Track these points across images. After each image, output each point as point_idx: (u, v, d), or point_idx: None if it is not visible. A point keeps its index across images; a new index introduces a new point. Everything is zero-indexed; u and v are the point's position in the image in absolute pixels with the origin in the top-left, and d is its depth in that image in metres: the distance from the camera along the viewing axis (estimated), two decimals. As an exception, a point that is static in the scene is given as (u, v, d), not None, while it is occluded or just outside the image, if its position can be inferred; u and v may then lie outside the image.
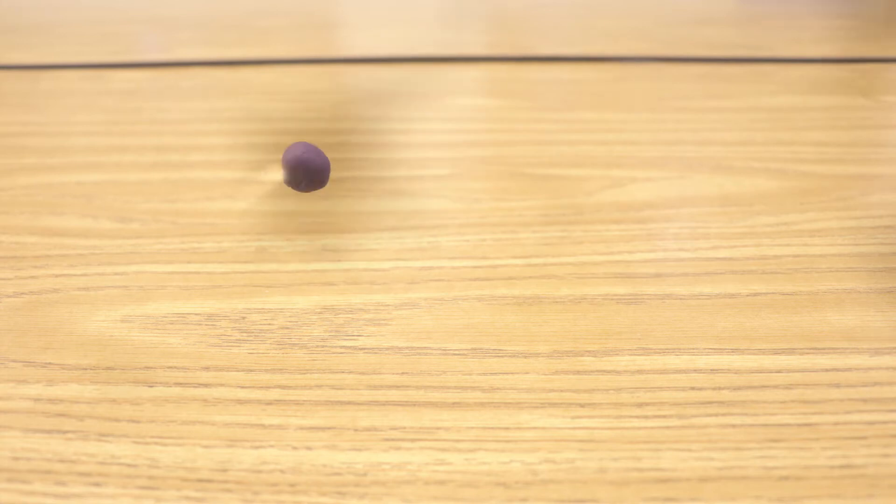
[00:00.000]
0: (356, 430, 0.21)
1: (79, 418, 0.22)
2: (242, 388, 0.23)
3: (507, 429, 0.21)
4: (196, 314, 0.27)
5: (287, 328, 0.26)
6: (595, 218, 0.34)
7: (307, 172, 0.29)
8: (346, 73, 0.60)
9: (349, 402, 0.22)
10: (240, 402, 0.22)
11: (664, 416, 0.22)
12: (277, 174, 0.29)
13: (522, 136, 0.45)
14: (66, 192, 0.37)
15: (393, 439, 0.21)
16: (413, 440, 0.21)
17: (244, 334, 0.25)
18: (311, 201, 0.35)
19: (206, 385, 0.23)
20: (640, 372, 0.23)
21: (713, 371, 0.23)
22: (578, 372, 0.23)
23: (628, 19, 0.81)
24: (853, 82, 0.56)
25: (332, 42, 0.71)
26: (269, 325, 0.26)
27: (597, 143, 0.43)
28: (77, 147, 0.43)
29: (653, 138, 0.44)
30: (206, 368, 0.24)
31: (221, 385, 0.23)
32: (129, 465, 0.20)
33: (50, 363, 0.24)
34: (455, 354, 0.24)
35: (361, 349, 0.25)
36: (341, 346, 0.25)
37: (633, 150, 0.42)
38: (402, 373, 0.23)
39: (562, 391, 0.23)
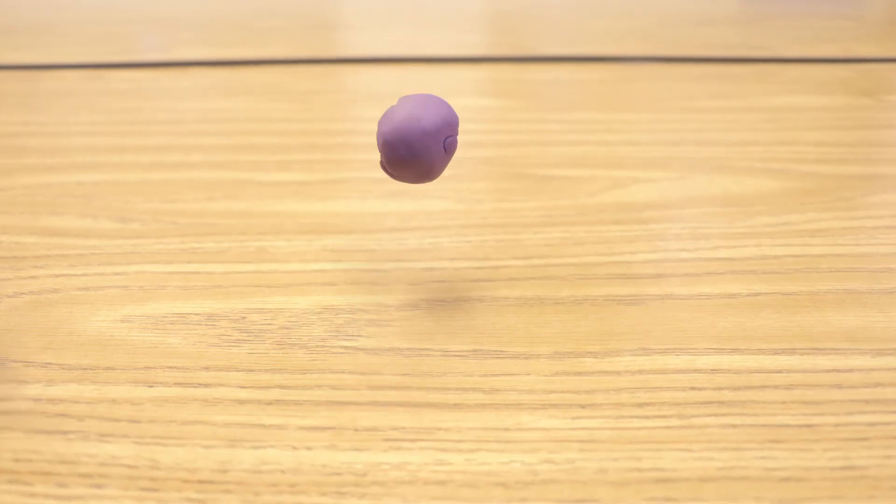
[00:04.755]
0: (356, 430, 0.21)
1: (79, 419, 0.22)
2: (242, 388, 0.23)
3: (507, 429, 0.21)
4: (196, 314, 0.27)
5: (287, 328, 0.26)
6: (596, 218, 0.34)
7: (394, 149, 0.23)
8: (346, 73, 0.60)
9: (349, 403, 0.22)
10: (240, 402, 0.22)
11: (664, 416, 0.21)
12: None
13: (524, 136, 0.44)
14: (66, 193, 0.37)
15: (393, 439, 0.21)
16: (413, 440, 0.21)
17: (244, 334, 0.25)
18: (311, 202, 0.35)
19: (206, 385, 0.23)
20: (640, 372, 0.23)
21: (713, 371, 0.23)
22: (579, 373, 0.23)
23: (630, 19, 0.81)
24: (855, 82, 0.56)
25: (332, 42, 0.71)
26: (269, 325, 0.26)
27: (598, 144, 0.43)
28: (77, 147, 0.43)
29: (654, 139, 0.44)
30: (206, 368, 0.24)
31: (221, 385, 0.23)
32: (129, 467, 0.20)
33: (50, 363, 0.24)
34: (456, 356, 0.24)
35: (362, 349, 0.25)
36: (341, 347, 0.25)
37: (635, 151, 0.42)
38: (403, 374, 0.23)
39: (562, 392, 0.23)
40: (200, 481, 0.20)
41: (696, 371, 0.23)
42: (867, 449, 0.20)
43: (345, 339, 0.25)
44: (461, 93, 0.54)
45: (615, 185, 0.37)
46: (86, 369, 0.24)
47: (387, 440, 0.21)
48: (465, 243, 0.31)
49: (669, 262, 0.30)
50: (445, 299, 0.27)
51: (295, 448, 0.21)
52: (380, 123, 0.24)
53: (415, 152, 0.24)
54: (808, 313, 0.26)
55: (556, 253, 0.31)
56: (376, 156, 0.41)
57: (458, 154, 0.41)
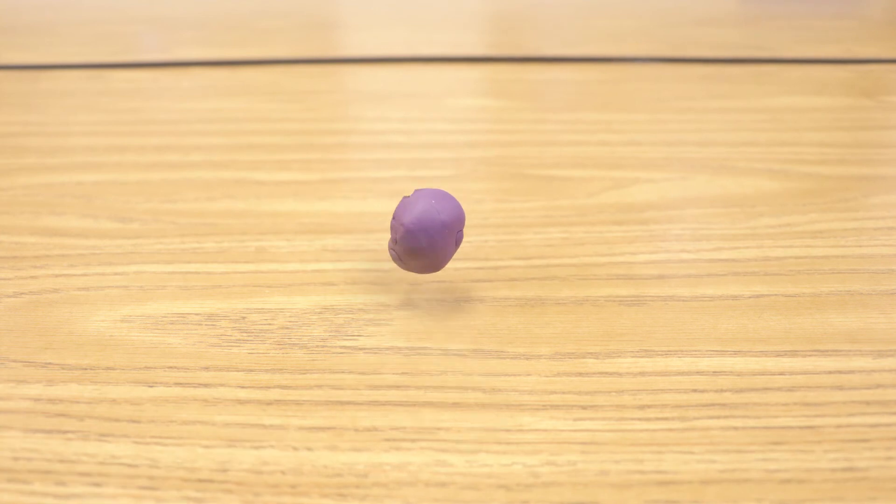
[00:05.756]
0: (357, 430, 0.21)
1: (79, 418, 0.22)
2: (242, 388, 0.23)
3: (508, 430, 0.21)
4: (196, 314, 0.27)
5: (287, 328, 0.26)
6: (597, 219, 0.33)
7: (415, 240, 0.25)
8: (346, 73, 0.59)
9: (349, 403, 0.22)
10: (240, 402, 0.22)
11: (666, 419, 0.21)
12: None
13: (524, 136, 0.44)
14: (66, 193, 0.37)
15: (394, 440, 0.21)
16: (414, 441, 0.21)
17: (244, 334, 0.25)
18: (311, 202, 0.35)
19: (206, 385, 0.23)
20: (642, 374, 0.23)
21: (715, 373, 0.23)
22: (580, 374, 0.23)
23: (630, 20, 0.81)
24: (856, 83, 0.56)
25: (332, 42, 0.71)
26: (269, 324, 0.26)
27: (599, 144, 0.43)
28: (77, 147, 0.43)
29: (655, 139, 0.44)
30: (206, 368, 0.24)
31: (221, 385, 0.23)
32: (129, 466, 0.20)
33: (50, 363, 0.24)
34: (456, 355, 0.24)
35: (362, 349, 0.25)
36: (341, 346, 0.25)
37: (635, 151, 0.42)
38: (403, 373, 0.23)
39: (563, 393, 0.22)
40: (200, 480, 0.19)
41: (698, 373, 0.23)
42: (868, 450, 0.20)
43: (345, 339, 0.25)
44: (461, 93, 0.54)
45: (615, 185, 0.37)
46: (86, 369, 0.24)
47: (387, 440, 0.21)
48: (465, 243, 0.31)
49: (671, 262, 0.30)
50: (446, 299, 0.27)
51: (295, 448, 0.20)
52: (399, 213, 0.25)
53: (433, 243, 0.25)
54: (809, 315, 0.26)
55: (557, 253, 0.30)
56: (375, 155, 0.41)
57: (456, 154, 0.41)
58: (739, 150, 0.42)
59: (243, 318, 0.26)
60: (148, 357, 0.24)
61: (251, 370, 0.24)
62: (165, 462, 0.20)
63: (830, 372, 0.23)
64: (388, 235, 0.32)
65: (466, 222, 0.33)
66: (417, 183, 0.37)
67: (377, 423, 0.21)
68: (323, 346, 0.25)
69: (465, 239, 0.32)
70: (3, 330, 0.26)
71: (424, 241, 0.25)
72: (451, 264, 0.30)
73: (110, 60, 0.63)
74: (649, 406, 0.22)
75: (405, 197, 0.25)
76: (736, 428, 0.21)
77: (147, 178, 0.38)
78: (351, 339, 0.25)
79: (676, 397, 0.22)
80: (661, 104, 0.51)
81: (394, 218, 0.25)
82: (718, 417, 0.21)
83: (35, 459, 0.20)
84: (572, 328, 0.26)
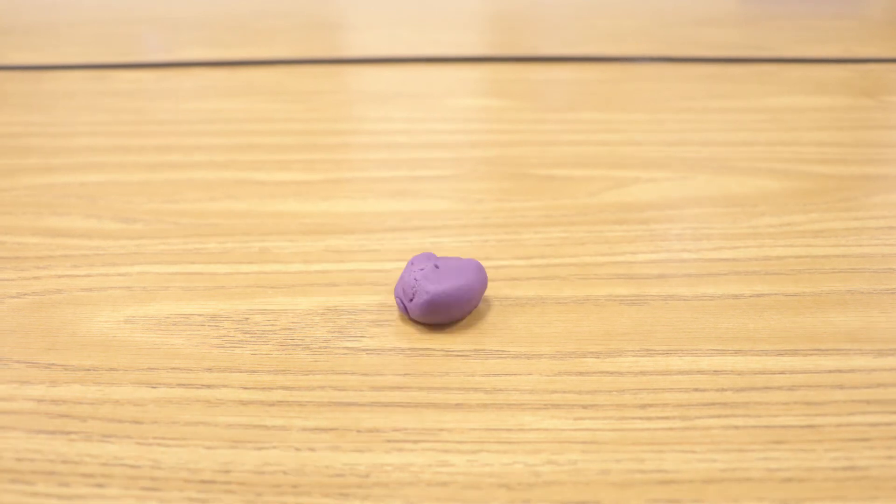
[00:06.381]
0: (359, 430, 0.21)
1: (82, 419, 0.22)
2: (245, 389, 0.23)
3: (509, 430, 0.21)
4: (199, 315, 0.27)
5: (290, 329, 0.26)
6: (598, 218, 0.34)
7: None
8: (347, 73, 0.60)
9: (352, 404, 0.22)
10: (243, 402, 0.22)
11: (667, 418, 0.21)
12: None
13: (524, 136, 0.44)
14: (69, 193, 0.37)
15: (396, 440, 0.21)
16: (416, 441, 0.21)
17: (247, 335, 0.25)
18: (313, 202, 0.35)
19: (209, 386, 0.23)
20: (642, 373, 0.23)
21: (716, 372, 0.23)
22: (581, 373, 0.23)
23: (630, 19, 0.81)
24: (855, 82, 0.56)
25: (333, 42, 0.71)
26: (272, 325, 0.26)
27: (599, 144, 0.43)
28: (80, 147, 0.43)
29: (655, 139, 0.44)
30: (209, 369, 0.24)
31: (224, 386, 0.23)
32: (132, 467, 0.20)
33: (53, 364, 0.24)
34: (458, 356, 0.24)
35: (364, 350, 0.25)
36: (344, 348, 0.25)
37: (636, 151, 0.42)
38: (405, 374, 0.23)
39: (565, 392, 0.23)
40: (202, 481, 0.20)
41: (698, 372, 0.23)
42: (869, 449, 0.20)
43: (348, 340, 0.25)
44: (462, 93, 0.54)
45: (616, 184, 0.37)
46: (89, 370, 0.24)
47: (389, 441, 0.21)
48: (465, 243, 0.31)
49: (672, 262, 0.30)
50: (447, 300, 0.27)
51: (297, 449, 0.21)
52: (423, 276, 0.25)
53: (451, 317, 0.25)
54: (810, 314, 0.26)
55: (558, 253, 0.31)
56: (378, 155, 0.41)
57: (457, 154, 0.41)
58: (740, 150, 0.42)
59: (246, 318, 0.26)
60: (151, 358, 0.24)
61: (254, 371, 0.24)
62: (168, 463, 0.20)
63: (831, 371, 0.23)
64: (390, 235, 0.32)
65: (467, 221, 0.33)
66: (418, 182, 0.37)
67: (379, 424, 0.21)
68: (326, 347, 0.25)
69: (465, 238, 0.32)
70: (6, 331, 0.26)
71: (444, 314, 0.25)
72: (452, 264, 0.30)
73: (113, 61, 0.63)
74: (650, 405, 0.22)
75: (431, 255, 0.25)
76: (737, 427, 0.21)
77: (150, 178, 0.39)
78: (354, 340, 0.25)
79: (677, 396, 0.22)
80: (661, 104, 0.51)
81: (413, 277, 0.25)
82: (719, 416, 0.22)
83: (38, 460, 0.20)
84: (573, 328, 0.26)
